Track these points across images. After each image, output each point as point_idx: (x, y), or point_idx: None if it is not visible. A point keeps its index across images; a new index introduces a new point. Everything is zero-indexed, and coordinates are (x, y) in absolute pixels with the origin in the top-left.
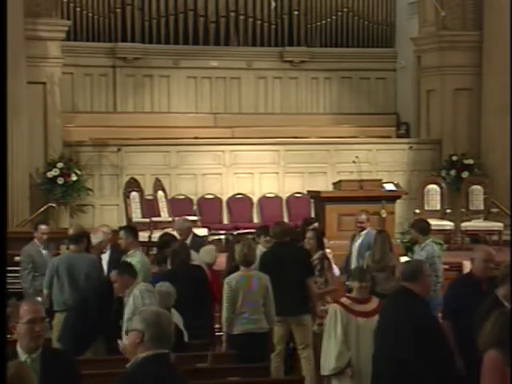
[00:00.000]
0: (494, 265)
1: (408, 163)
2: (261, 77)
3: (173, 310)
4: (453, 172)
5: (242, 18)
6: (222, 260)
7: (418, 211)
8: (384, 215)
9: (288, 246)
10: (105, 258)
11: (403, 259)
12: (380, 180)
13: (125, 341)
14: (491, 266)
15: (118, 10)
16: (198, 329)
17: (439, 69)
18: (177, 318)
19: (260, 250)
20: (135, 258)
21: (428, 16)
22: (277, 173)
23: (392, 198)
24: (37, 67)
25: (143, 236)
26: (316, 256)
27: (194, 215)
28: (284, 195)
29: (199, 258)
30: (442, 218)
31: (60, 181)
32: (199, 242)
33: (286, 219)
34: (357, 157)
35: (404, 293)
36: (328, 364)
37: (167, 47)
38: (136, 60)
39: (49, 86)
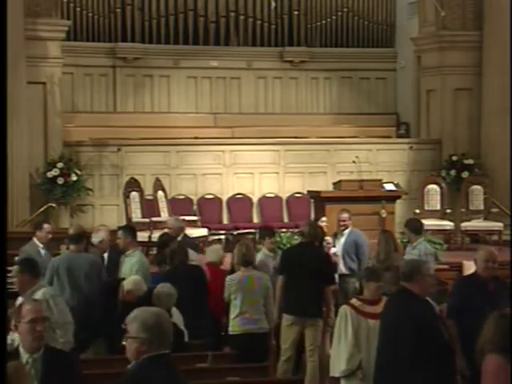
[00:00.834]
0: (495, 265)
1: (408, 163)
2: (261, 77)
3: (174, 309)
4: (453, 172)
5: (242, 17)
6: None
7: (417, 211)
8: (384, 215)
9: (312, 248)
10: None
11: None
12: (380, 180)
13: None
14: (492, 265)
15: (118, 10)
16: (197, 329)
17: (439, 69)
18: (178, 317)
19: (264, 252)
20: (134, 257)
21: (428, 16)
22: (277, 173)
23: (392, 197)
24: (37, 67)
25: (143, 236)
26: None
27: (194, 215)
28: (284, 195)
29: (206, 257)
30: (442, 218)
31: (60, 181)
32: (189, 242)
33: (285, 219)
34: (357, 157)
35: (403, 293)
36: (338, 366)
37: (167, 47)
38: (136, 60)
39: (49, 86)
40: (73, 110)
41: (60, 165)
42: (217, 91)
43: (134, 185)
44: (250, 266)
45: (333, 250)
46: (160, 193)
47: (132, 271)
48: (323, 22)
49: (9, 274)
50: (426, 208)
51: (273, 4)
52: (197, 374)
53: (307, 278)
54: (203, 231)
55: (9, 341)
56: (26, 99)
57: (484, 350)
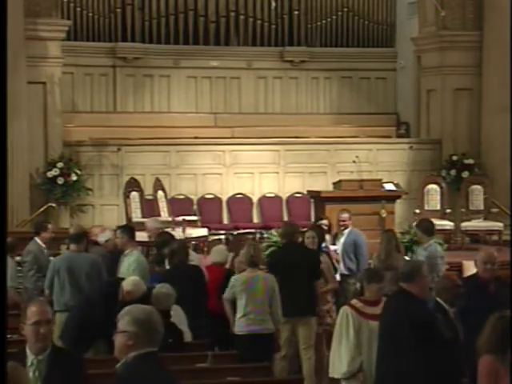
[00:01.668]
0: (495, 266)
1: (408, 163)
2: (261, 77)
3: (176, 307)
4: (453, 172)
5: (242, 17)
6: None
7: (418, 211)
8: (384, 215)
9: (297, 247)
10: None
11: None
12: (380, 180)
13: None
14: (492, 267)
15: (118, 10)
16: (197, 329)
17: (439, 69)
18: (181, 316)
19: None
20: (132, 257)
21: (428, 16)
22: (277, 173)
23: (392, 197)
24: (37, 67)
25: (143, 236)
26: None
27: (194, 215)
28: (284, 195)
29: (211, 257)
30: (442, 218)
31: (60, 181)
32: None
33: (286, 219)
34: (357, 157)
35: (401, 294)
36: (339, 368)
37: (167, 47)
38: (136, 60)
39: (49, 85)
40: (73, 109)
41: (60, 165)
42: (217, 91)
43: (134, 185)
44: (256, 267)
45: (333, 248)
46: (160, 193)
47: (129, 270)
48: (323, 21)
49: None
50: (426, 208)
51: (273, 4)
52: (197, 374)
53: (294, 278)
54: (203, 231)
55: None
56: (26, 99)
57: (481, 350)
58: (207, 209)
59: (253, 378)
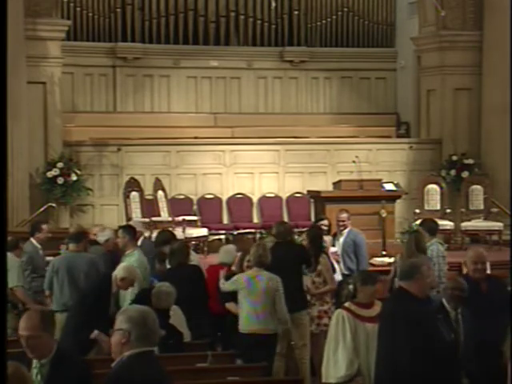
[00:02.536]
0: (484, 266)
1: (408, 163)
2: (261, 77)
3: (175, 307)
4: (453, 172)
5: (242, 17)
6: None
7: (418, 211)
8: (384, 215)
9: (288, 246)
10: None
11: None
12: (380, 180)
13: None
14: (481, 267)
15: (118, 10)
16: (197, 329)
17: (439, 69)
18: (179, 316)
19: None
20: (133, 257)
21: (428, 16)
22: (277, 173)
23: (392, 197)
24: (37, 67)
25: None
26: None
27: (194, 215)
28: (284, 195)
29: (218, 257)
30: (442, 218)
31: (60, 181)
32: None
33: (286, 219)
34: (357, 157)
35: (400, 293)
36: (335, 372)
37: (167, 47)
38: (136, 60)
39: (49, 86)
40: (73, 109)
41: (60, 165)
42: (217, 91)
43: (133, 185)
44: (262, 267)
45: (332, 250)
46: (160, 193)
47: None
48: (323, 21)
49: None
50: (426, 208)
51: (273, 4)
52: (197, 373)
53: (286, 277)
54: (203, 231)
55: None
56: (26, 99)
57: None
58: (207, 209)
59: (253, 378)
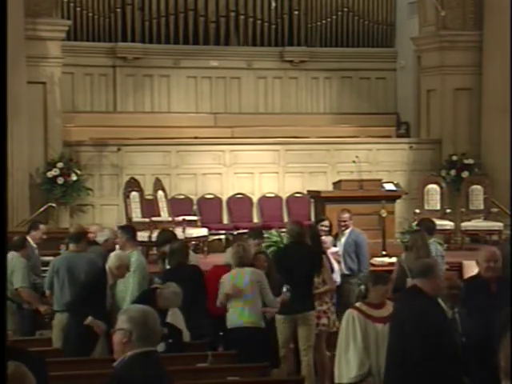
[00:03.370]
0: (497, 264)
1: (408, 163)
2: (261, 77)
3: (175, 309)
4: (453, 172)
5: (242, 17)
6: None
7: (418, 211)
8: (384, 215)
9: (301, 246)
10: None
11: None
12: (380, 180)
13: None
14: (494, 265)
15: (118, 10)
16: (197, 329)
17: (439, 69)
18: (179, 316)
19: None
20: (132, 257)
21: (428, 16)
22: (277, 173)
23: (392, 197)
24: (37, 67)
25: (143, 236)
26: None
27: (194, 215)
28: (284, 195)
29: (224, 258)
30: (442, 218)
31: (60, 181)
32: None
33: (286, 219)
34: (357, 157)
35: (413, 290)
36: (347, 372)
37: (167, 47)
38: (136, 60)
39: (49, 85)
40: (73, 109)
41: (60, 165)
42: (217, 91)
43: (133, 185)
44: (244, 268)
45: (333, 250)
46: (160, 192)
47: (129, 271)
48: (323, 21)
49: None
50: (426, 208)
51: (273, 4)
52: (197, 374)
53: (297, 277)
54: (203, 231)
55: None
56: (26, 99)
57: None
58: (207, 209)
59: (253, 378)
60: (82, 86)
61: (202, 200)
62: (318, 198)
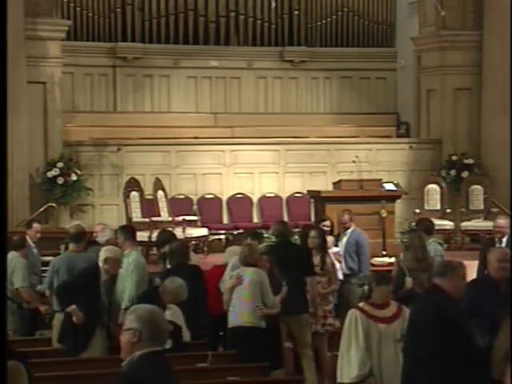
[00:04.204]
0: (508, 264)
1: (408, 163)
2: (261, 77)
3: (174, 307)
4: (453, 172)
5: (242, 17)
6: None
7: (418, 211)
8: (384, 215)
9: (289, 245)
10: None
11: None
12: (380, 180)
13: None
14: (505, 265)
15: (118, 10)
16: (197, 329)
17: (439, 69)
18: (179, 314)
19: None
20: (131, 257)
21: (428, 16)
22: (277, 173)
23: (392, 197)
24: (37, 67)
25: (143, 236)
26: (319, 255)
27: (194, 215)
28: (284, 195)
29: (226, 257)
30: (442, 218)
31: (60, 181)
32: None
33: (286, 219)
34: (357, 156)
35: (433, 289)
36: (349, 372)
37: (167, 47)
38: (136, 60)
39: (49, 85)
40: (73, 109)
41: (60, 165)
42: (217, 91)
43: (133, 184)
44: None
45: (335, 250)
46: (160, 192)
47: (128, 271)
48: (323, 21)
49: None
50: (426, 208)
51: (273, 4)
52: (197, 374)
53: (287, 276)
54: (203, 231)
55: None
56: (26, 99)
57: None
58: (207, 209)
59: (253, 378)
60: (81, 86)
61: (202, 200)
62: (318, 198)
